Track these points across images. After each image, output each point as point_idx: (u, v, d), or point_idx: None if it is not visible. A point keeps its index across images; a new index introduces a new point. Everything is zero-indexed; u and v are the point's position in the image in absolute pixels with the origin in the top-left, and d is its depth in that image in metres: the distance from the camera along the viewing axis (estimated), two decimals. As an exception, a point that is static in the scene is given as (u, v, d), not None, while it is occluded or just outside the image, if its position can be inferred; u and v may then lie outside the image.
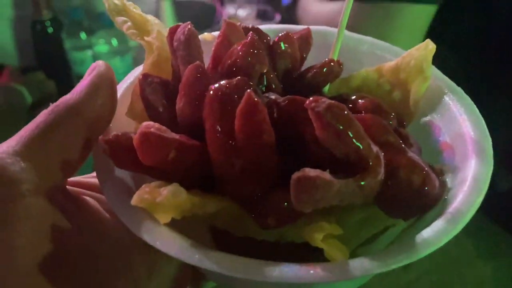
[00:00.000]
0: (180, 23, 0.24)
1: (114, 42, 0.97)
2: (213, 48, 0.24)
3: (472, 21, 0.73)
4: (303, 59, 0.28)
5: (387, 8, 0.66)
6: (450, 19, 0.70)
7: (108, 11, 0.26)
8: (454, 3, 0.69)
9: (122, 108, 0.24)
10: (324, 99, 0.20)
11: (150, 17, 0.26)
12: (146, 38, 0.25)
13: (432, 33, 0.69)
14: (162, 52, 0.25)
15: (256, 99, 0.19)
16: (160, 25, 0.26)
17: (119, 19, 0.26)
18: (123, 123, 0.24)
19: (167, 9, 0.89)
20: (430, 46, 0.26)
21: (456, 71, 0.77)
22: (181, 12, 0.97)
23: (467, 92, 0.27)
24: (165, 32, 0.26)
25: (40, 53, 1.07)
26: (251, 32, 0.24)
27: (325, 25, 0.89)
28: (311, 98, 0.20)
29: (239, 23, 0.26)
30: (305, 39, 0.28)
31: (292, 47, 0.26)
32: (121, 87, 0.26)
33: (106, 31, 0.97)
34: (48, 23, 1.01)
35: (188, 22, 0.24)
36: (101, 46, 0.98)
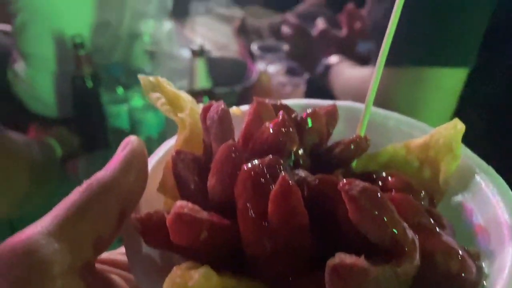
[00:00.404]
0: (213, 102, 0.25)
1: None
2: (244, 125, 0.25)
3: (503, 84, 0.72)
4: (329, 134, 0.28)
5: (418, 72, 0.67)
6: (481, 81, 0.70)
7: (143, 87, 0.27)
8: (486, 66, 0.70)
9: (151, 182, 0.25)
10: (357, 182, 0.20)
11: (182, 94, 0.27)
12: (179, 114, 0.26)
13: (463, 96, 0.69)
14: (194, 128, 0.25)
15: (290, 182, 0.20)
16: (193, 102, 0.27)
17: (153, 95, 0.27)
18: (153, 196, 0.25)
19: (200, 65, 0.93)
20: (458, 126, 0.26)
21: (486, 134, 0.76)
22: (214, 68, 1.01)
23: (496, 156, 0.26)
24: (197, 108, 0.27)
25: (78, 106, 1.13)
26: (282, 111, 0.24)
27: (355, 89, 0.91)
28: (344, 180, 0.20)
29: (267, 100, 0.26)
30: (332, 115, 0.28)
31: (319, 123, 0.27)
32: (151, 161, 0.26)
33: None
34: (88, 78, 1.07)
35: (221, 101, 0.25)
36: (136, 101, 1.03)
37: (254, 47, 1.34)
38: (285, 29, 1.07)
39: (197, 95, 0.97)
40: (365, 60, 0.95)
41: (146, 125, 1.03)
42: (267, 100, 0.26)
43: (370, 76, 0.87)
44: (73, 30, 1.09)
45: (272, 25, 1.76)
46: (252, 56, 1.36)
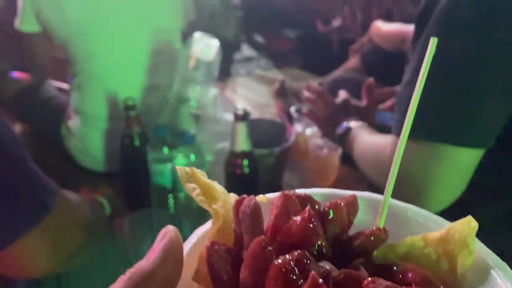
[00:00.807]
0: (245, 195, 0.28)
1: (192, 157, 1.08)
2: (272, 218, 0.28)
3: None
4: (350, 223, 0.31)
5: (434, 147, 0.67)
6: (497, 162, 0.70)
7: (180, 178, 0.29)
8: (503, 146, 0.69)
9: (185, 268, 0.26)
10: (381, 281, 0.22)
11: (216, 185, 0.31)
12: (213, 206, 0.29)
13: (477, 176, 0.68)
14: (226, 219, 0.29)
15: (320, 281, 0.22)
16: (225, 193, 0.30)
17: (189, 185, 0.29)
18: (186, 283, 0.27)
19: (242, 129, 0.98)
20: (472, 224, 0.28)
21: (503, 218, 0.75)
22: (253, 129, 1.06)
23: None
24: (229, 199, 0.30)
25: (125, 163, 1.20)
26: (308, 207, 0.27)
27: (372, 155, 0.93)
28: (369, 279, 0.22)
29: (293, 192, 0.29)
30: (352, 205, 0.31)
31: (340, 214, 0.29)
32: (185, 248, 0.29)
33: (186, 147, 1.08)
34: (136, 137, 1.15)
35: (252, 196, 0.28)
36: (180, 160, 1.09)
37: (292, 109, 1.39)
38: (307, 94, 1.14)
39: (237, 157, 1.02)
40: (382, 128, 0.99)
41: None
42: (292, 192, 0.29)
43: (384, 145, 0.89)
44: (125, 92, 1.19)
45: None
46: (290, 118, 1.40)
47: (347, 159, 1.09)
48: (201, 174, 0.31)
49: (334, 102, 1.11)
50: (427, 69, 0.28)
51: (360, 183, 1.10)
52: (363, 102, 1.12)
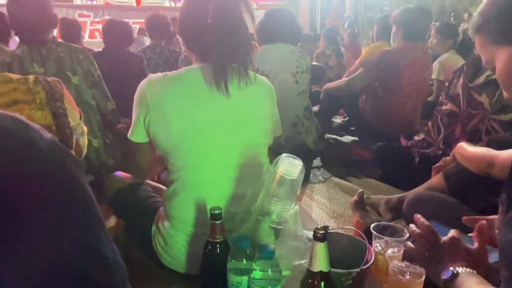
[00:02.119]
0: None
1: (270, 271, 1.10)
2: None
3: None
4: None
5: None
6: None
7: None
8: None
9: None
10: None
11: None
12: None
13: None
14: None
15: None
16: None
17: None
18: None
19: (321, 250, 0.99)
20: None
21: None
22: (331, 244, 1.06)
23: None
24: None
25: (205, 268, 1.25)
26: None
27: None
28: None
29: None
30: None
31: None
32: None
33: (264, 261, 1.11)
34: (218, 245, 1.20)
35: None
36: (256, 273, 1.11)
37: (373, 227, 1.37)
38: (413, 228, 1.08)
39: (314, 276, 1.02)
40: (495, 272, 0.91)
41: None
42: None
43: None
44: (213, 200, 1.28)
45: (389, 203, 1.80)
46: (369, 234, 1.38)
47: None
48: None
49: (440, 240, 1.01)
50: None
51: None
52: (474, 245, 1.00)
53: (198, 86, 1.29)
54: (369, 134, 2.98)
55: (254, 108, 1.38)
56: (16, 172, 0.47)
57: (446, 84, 2.02)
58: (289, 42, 2.66)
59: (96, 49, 3.58)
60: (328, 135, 3.30)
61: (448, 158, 1.72)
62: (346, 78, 3.08)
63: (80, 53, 2.11)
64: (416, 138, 2.14)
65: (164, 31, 3.66)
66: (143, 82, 1.31)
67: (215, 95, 1.28)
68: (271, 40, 2.65)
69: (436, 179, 1.70)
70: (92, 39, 9.06)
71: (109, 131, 2.30)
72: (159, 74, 1.33)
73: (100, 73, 2.20)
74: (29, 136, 0.50)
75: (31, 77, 1.27)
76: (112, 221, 1.80)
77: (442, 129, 1.96)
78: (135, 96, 1.33)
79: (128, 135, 1.38)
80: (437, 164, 1.74)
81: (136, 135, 1.36)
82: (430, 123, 2.05)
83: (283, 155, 1.18)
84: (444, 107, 1.96)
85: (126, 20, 3.83)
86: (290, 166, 1.15)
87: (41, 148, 0.50)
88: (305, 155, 2.74)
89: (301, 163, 1.17)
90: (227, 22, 1.24)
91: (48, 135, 0.52)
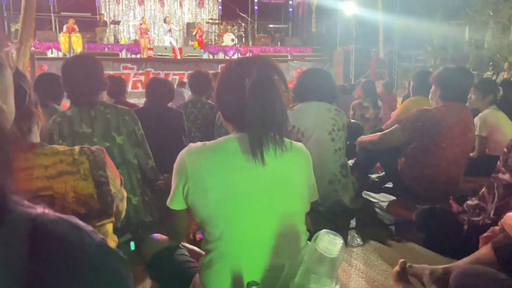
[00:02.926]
0: None
1: None
2: None
3: None
4: None
5: None
6: None
7: None
8: None
9: None
10: None
11: None
12: None
13: None
14: None
15: None
16: None
17: None
18: None
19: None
20: None
21: None
22: None
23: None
24: None
25: None
26: None
27: None
28: None
29: None
30: None
31: None
32: None
33: None
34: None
35: None
36: None
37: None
38: None
39: None
40: None
41: None
42: None
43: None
44: (250, 271, 1.26)
45: (434, 274, 1.70)
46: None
47: None
48: None
49: None
50: None
51: None
52: None
53: (236, 156, 1.31)
54: (408, 194, 2.87)
55: (291, 175, 1.38)
56: (66, 278, 0.50)
57: (505, 149, 1.90)
58: (325, 100, 2.68)
59: (138, 100, 3.74)
60: (365, 192, 3.22)
61: (496, 227, 1.63)
62: (380, 133, 3.04)
63: (126, 114, 2.21)
64: (469, 202, 2.03)
65: (205, 88, 3.81)
66: (183, 152, 1.35)
67: (251, 163, 1.29)
68: (307, 98, 2.69)
69: (484, 250, 1.60)
70: (135, 90, 9.51)
71: (148, 188, 2.35)
72: (198, 144, 1.36)
73: (143, 132, 2.28)
74: (81, 242, 0.53)
75: (76, 148, 1.33)
76: (147, 284, 1.79)
77: (496, 199, 1.86)
78: (175, 165, 1.36)
79: (168, 202, 1.41)
80: (485, 234, 1.65)
81: (175, 203, 1.38)
82: (485, 190, 1.95)
83: (323, 231, 1.15)
84: (501, 176, 1.86)
85: (167, 72, 4.02)
86: (330, 243, 1.12)
87: (92, 252, 0.52)
88: (342, 214, 2.67)
89: (342, 241, 1.14)
90: (263, 97, 1.27)
91: (99, 237, 0.55)
